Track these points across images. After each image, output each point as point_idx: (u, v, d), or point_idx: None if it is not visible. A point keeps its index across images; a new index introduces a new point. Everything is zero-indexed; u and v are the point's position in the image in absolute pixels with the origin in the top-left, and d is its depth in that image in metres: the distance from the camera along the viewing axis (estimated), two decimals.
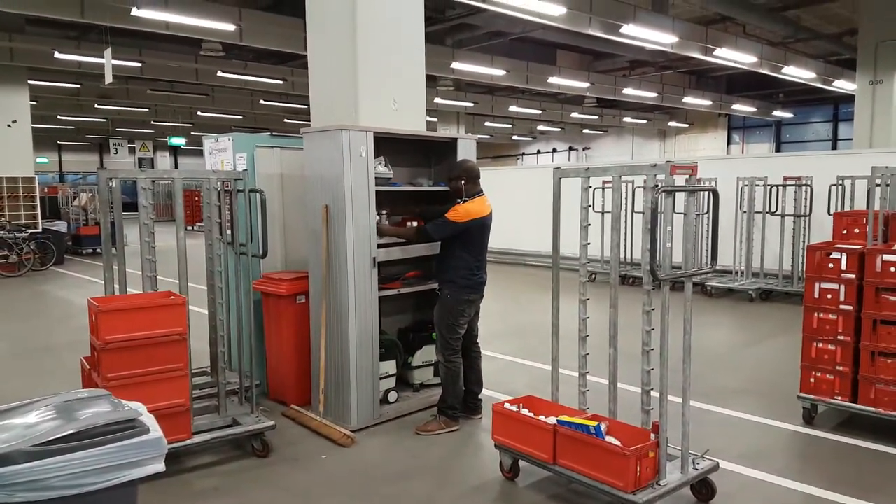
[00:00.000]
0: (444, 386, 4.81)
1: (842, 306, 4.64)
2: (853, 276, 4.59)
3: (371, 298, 4.72)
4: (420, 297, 5.47)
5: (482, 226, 4.71)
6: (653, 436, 3.47)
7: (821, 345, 4.73)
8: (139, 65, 14.79)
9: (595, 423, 3.55)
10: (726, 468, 3.95)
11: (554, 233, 3.99)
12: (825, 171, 9.46)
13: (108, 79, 10.69)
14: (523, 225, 13.48)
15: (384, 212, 5.04)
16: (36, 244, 13.87)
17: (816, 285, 4.75)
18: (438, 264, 4.85)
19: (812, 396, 4.78)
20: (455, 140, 5.28)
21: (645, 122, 28.58)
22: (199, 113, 24.54)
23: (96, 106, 22.03)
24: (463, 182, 4.76)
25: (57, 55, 13.71)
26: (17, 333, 8.36)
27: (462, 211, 4.62)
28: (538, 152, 37.11)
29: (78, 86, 18.41)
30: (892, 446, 4.38)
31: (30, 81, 15.94)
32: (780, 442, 4.65)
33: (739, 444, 4.50)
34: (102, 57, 10.84)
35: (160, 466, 2.39)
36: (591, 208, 3.93)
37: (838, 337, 4.65)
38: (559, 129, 32.55)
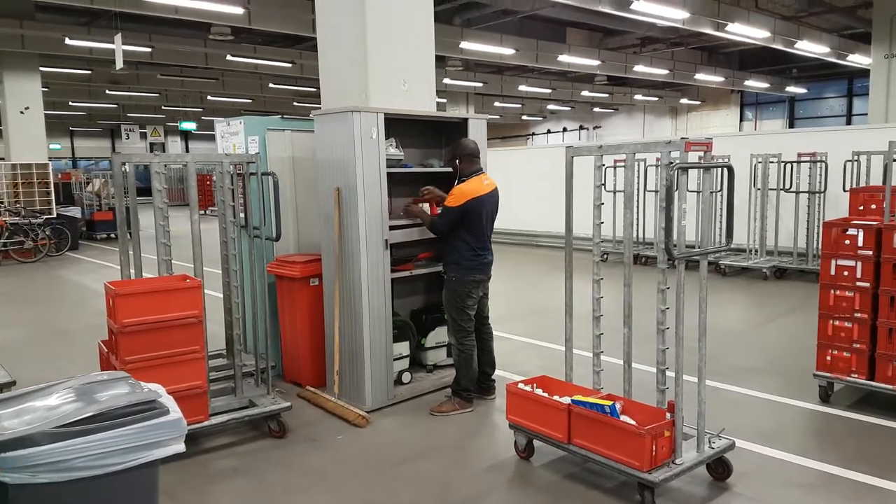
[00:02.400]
0: (457, 368, 4.82)
1: (858, 283, 4.59)
2: (870, 252, 4.54)
3: (383, 280, 4.73)
4: (432, 278, 5.47)
5: (479, 206, 4.62)
6: (668, 415, 3.47)
7: (837, 322, 4.69)
8: (149, 50, 14.79)
9: (610, 403, 3.55)
10: (742, 447, 3.95)
11: (567, 212, 3.96)
12: (840, 147, 9.34)
13: (119, 64, 10.69)
14: (534, 206, 13.43)
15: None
16: (51, 230, 13.99)
17: (832, 262, 4.70)
18: (442, 248, 4.84)
19: (828, 374, 4.75)
20: (465, 120, 5.24)
21: (656, 99, 28.26)
22: (209, 97, 24.53)
23: (107, 92, 22.11)
24: (458, 161, 4.72)
25: (67, 41, 13.72)
26: (35, 318, 8.47)
27: (457, 193, 4.58)
28: (548, 132, 36.84)
29: (89, 72, 18.47)
30: None
31: (41, 68, 15.98)
32: (796, 420, 4.64)
33: (755, 423, 4.49)
34: (112, 42, 10.83)
35: (181, 447, 2.41)
36: (603, 187, 3.90)
37: (855, 314, 4.61)
38: (569, 109, 32.26)
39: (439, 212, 4.77)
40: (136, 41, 13.99)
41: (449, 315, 4.78)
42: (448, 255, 4.74)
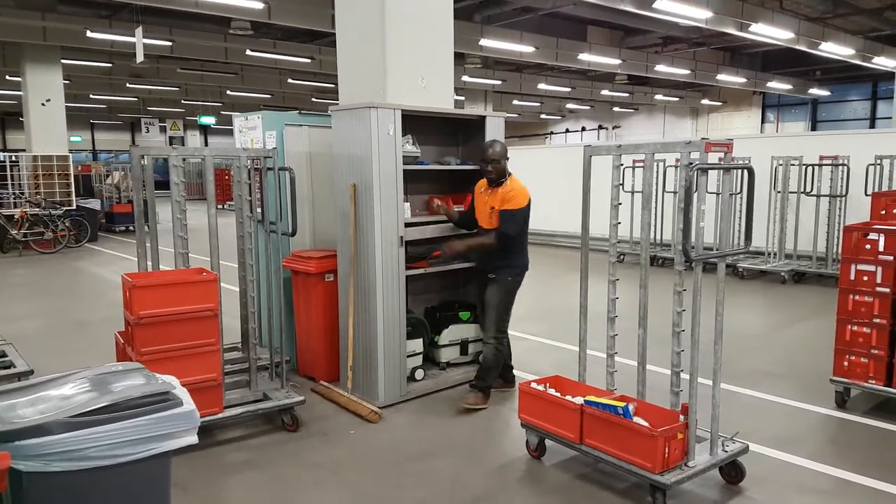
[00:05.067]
0: (489, 366, 4.79)
1: (878, 288, 4.53)
2: (891, 257, 4.47)
3: (398, 277, 4.73)
4: (447, 276, 5.47)
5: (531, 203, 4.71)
6: (682, 417, 3.44)
7: (855, 327, 4.63)
8: (169, 44, 14.90)
9: (623, 404, 3.53)
10: (756, 451, 3.91)
11: (583, 212, 3.94)
12: (863, 151, 9.21)
13: (140, 58, 10.79)
14: (551, 205, 13.35)
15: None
16: (70, 221, 14.15)
17: (852, 267, 4.64)
18: (498, 250, 4.70)
19: (845, 380, 4.69)
20: (483, 118, 5.23)
21: (677, 99, 27.98)
22: (228, 92, 24.70)
23: (128, 85, 22.29)
24: (501, 162, 4.66)
25: (89, 34, 13.85)
26: (53, 309, 8.58)
27: (519, 195, 4.58)
28: (567, 131, 36.65)
29: (110, 65, 18.64)
30: None
31: (63, 61, 16.16)
32: (811, 425, 4.59)
33: (770, 427, 4.44)
34: (133, 36, 10.94)
35: (193, 439, 2.43)
36: (621, 187, 3.87)
37: (874, 319, 4.55)
38: (589, 108, 32.05)
39: (501, 216, 4.59)
40: (156, 35, 14.09)
41: (496, 314, 4.73)
42: (501, 258, 4.70)
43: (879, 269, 4.52)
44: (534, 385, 4.00)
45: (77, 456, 2.19)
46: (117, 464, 2.27)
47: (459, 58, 16.91)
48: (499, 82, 21.65)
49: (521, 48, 15.96)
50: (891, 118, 14.69)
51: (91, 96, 25.46)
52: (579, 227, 3.98)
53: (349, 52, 5.21)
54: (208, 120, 29.25)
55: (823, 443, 4.38)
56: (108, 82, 22.41)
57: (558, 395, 3.89)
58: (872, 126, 25.15)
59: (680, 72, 20.12)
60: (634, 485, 3.60)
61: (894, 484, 3.63)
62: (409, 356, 4.96)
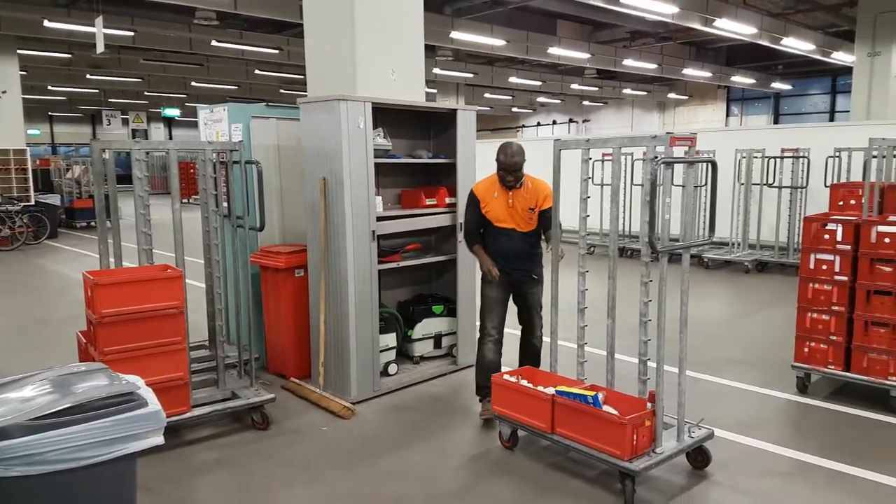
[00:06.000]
0: (540, 358, 4.65)
1: (836, 277, 4.67)
2: (848, 247, 4.62)
3: (370, 271, 4.71)
4: (420, 270, 5.46)
5: None
6: (649, 405, 3.50)
7: (815, 315, 4.77)
8: (131, 34, 14.54)
9: (593, 393, 3.57)
10: (721, 436, 4.01)
11: (553, 205, 3.97)
12: (822, 144, 9.46)
13: (100, 48, 10.51)
14: None
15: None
16: (29, 217, 13.77)
17: (812, 256, 4.77)
18: (536, 250, 4.54)
19: (806, 366, 4.83)
20: (455, 111, 5.22)
21: (644, 93, 28.36)
22: (193, 83, 24.20)
23: (88, 76, 21.71)
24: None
25: (46, 24, 13.42)
26: (12, 308, 8.35)
27: (550, 192, 4.26)
28: (538, 125, 36.84)
29: (69, 55, 18.13)
30: (883, 414, 4.45)
31: (19, 51, 15.66)
32: (774, 410, 4.71)
33: (734, 413, 4.55)
34: (93, 26, 10.65)
35: (159, 439, 2.39)
36: (590, 181, 3.91)
37: (832, 307, 4.69)
38: (559, 101, 32.27)
39: (552, 213, 4.26)
40: (117, 25, 13.74)
41: (541, 308, 4.63)
42: (537, 255, 4.55)
43: (837, 258, 4.66)
44: (506, 377, 4.02)
45: (38, 460, 2.14)
46: (81, 467, 2.22)
47: (430, 50, 16.85)
48: (470, 75, 21.64)
49: (492, 41, 15.97)
50: (849, 111, 15.08)
51: (49, 88, 24.72)
52: None
53: (318, 43, 5.14)
54: (172, 112, 28.70)
55: (785, 427, 4.50)
56: (67, 73, 21.77)
57: (530, 385, 3.92)
58: (832, 119, 25.82)
59: (647, 66, 20.36)
60: (604, 472, 3.66)
61: (852, 465, 3.75)
62: (381, 351, 4.95)
